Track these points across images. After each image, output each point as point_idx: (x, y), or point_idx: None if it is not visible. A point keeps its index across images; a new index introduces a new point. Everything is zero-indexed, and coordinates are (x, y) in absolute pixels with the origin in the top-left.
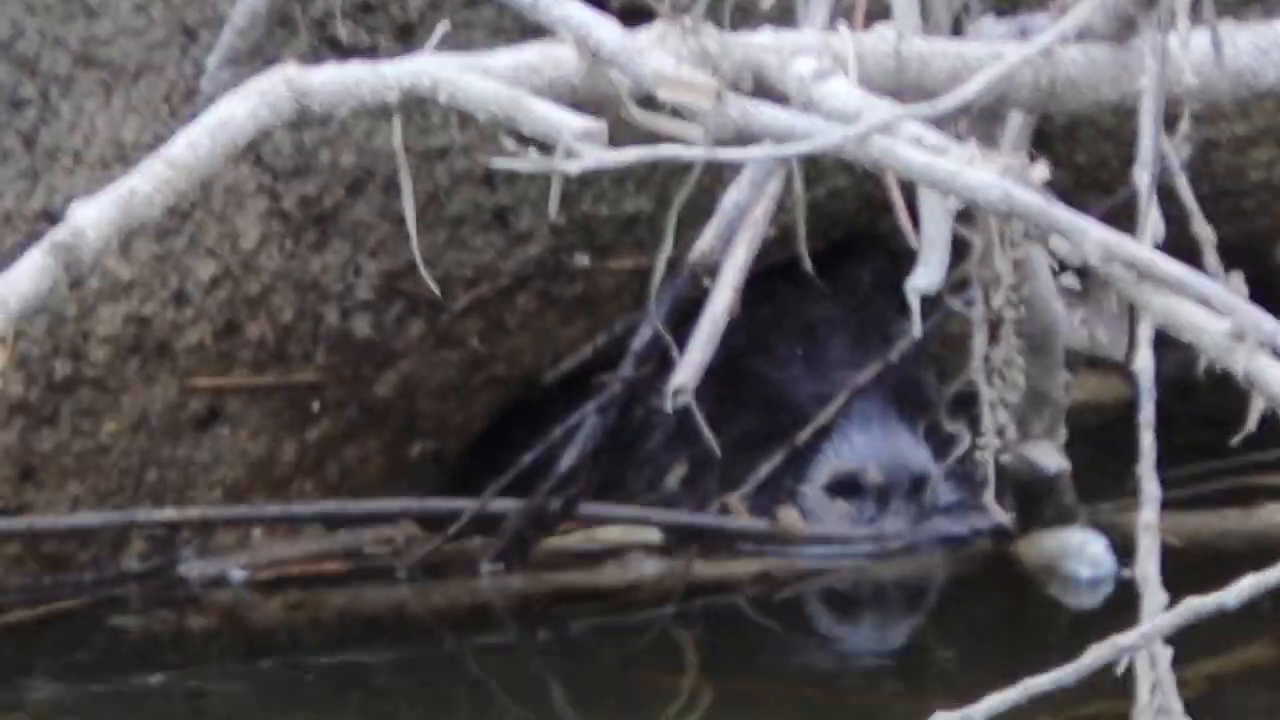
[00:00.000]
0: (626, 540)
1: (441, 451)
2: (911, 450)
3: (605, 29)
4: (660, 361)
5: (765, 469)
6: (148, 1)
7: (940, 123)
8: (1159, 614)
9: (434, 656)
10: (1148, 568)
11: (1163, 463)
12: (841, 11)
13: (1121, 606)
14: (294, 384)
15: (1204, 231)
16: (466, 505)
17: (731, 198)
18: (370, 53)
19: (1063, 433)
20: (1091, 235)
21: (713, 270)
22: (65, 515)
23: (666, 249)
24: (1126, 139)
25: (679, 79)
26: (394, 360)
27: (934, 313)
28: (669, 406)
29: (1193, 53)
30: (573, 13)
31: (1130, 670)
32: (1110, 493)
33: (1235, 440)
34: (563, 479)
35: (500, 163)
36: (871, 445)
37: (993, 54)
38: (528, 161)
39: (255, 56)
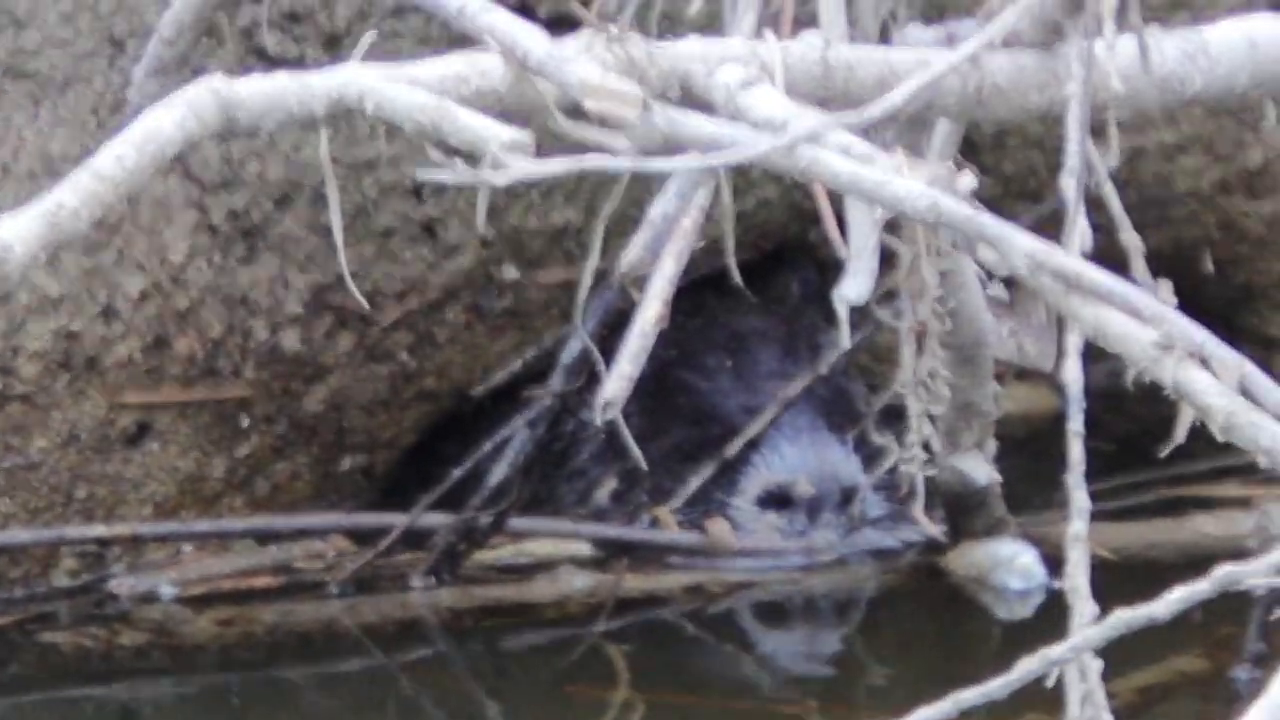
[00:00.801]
0: (557, 554)
1: (371, 466)
2: (842, 462)
3: (532, 38)
4: (589, 375)
5: (695, 482)
6: (75, 12)
7: (868, 131)
8: (1088, 626)
9: (365, 672)
10: (1077, 579)
11: (1092, 473)
12: (768, 19)
13: (1052, 618)
14: (223, 399)
15: (1132, 240)
16: (397, 520)
17: (659, 209)
18: (297, 63)
19: (992, 444)
20: (1019, 245)
21: (641, 282)
22: None
23: (593, 261)
24: (1054, 147)
25: (605, 88)
26: (323, 375)
27: (863, 324)
28: (598, 420)
29: (1119, 59)
30: (499, 21)
31: (1061, 682)
32: (1040, 504)
33: (1164, 451)
34: (493, 493)
35: (427, 174)
36: (801, 457)
37: (920, 61)
38: (454, 173)
39: (182, 67)
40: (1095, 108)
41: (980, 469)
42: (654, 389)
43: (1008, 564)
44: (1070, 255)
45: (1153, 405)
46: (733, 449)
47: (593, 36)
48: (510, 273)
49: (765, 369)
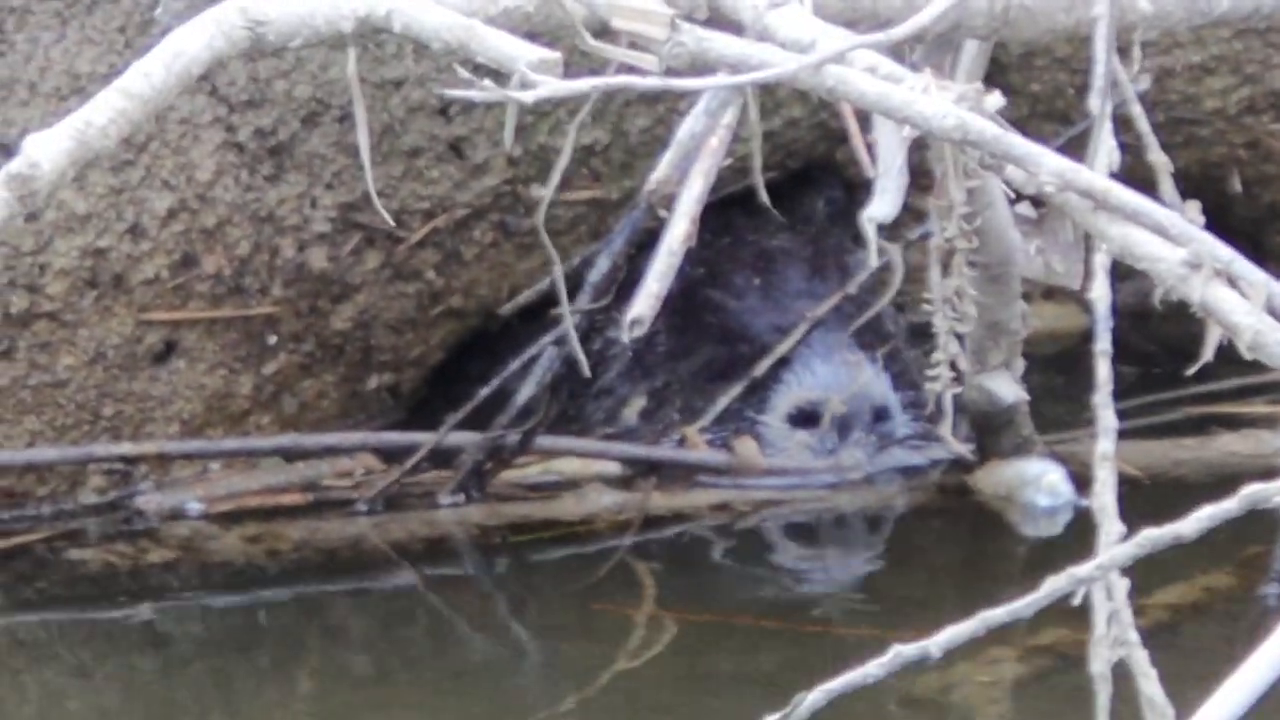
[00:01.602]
0: (585, 473)
1: (398, 385)
2: (872, 381)
3: None
4: (617, 293)
5: (724, 401)
6: None
7: (895, 51)
8: (1115, 545)
9: (392, 589)
10: (1105, 498)
11: (1120, 393)
12: None
13: (1079, 536)
14: (250, 317)
15: (1160, 160)
16: (424, 438)
17: (687, 128)
18: None
19: (1020, 363)
20: (1047, 164)
21: (668, 201)
22: (22, 450)
23: (559, 172)
24: (1081, 68)
25: (633, 7)
26: (350, 293)
27: (893, 242)
28: (625, 338)
29: None
30: None
31: (1087, 600)
32: (1068, 422)
33: (1192, 369)
34: (520, 412)
35: (454, 93)
36: (833, 376)
37: None
38: (482, 92)
39: None
40: (1122, 28)
41: (1008, 387)
42: (682, 308)
43: (1035, 482)
44: (1097, 174)
45: (1181, 323)
46: (763, 367)
47: None
48: (538, 191)
49: (794, 288)
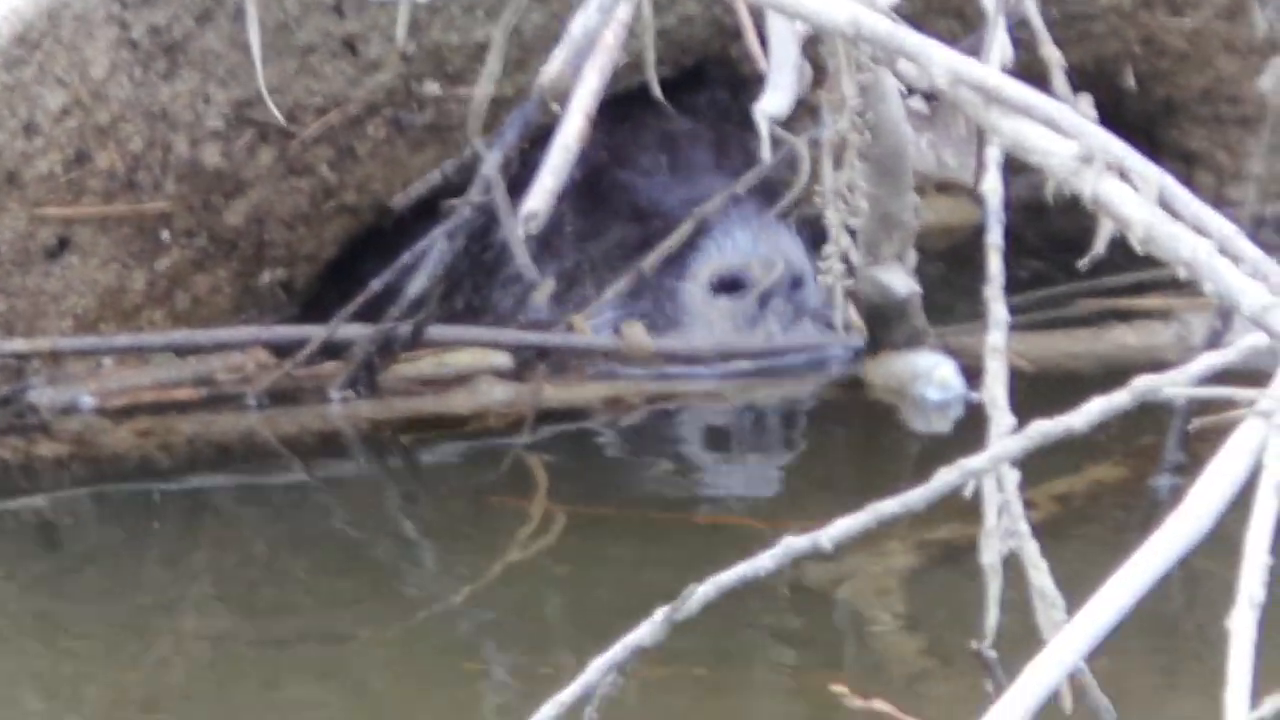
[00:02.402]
0: (477, 365)
1: (292, 280)
2: (791, 248)
3: None
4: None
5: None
6: None
7: None
8: (1006, 436)
9: (283, 484)
10: (995, 390)
11: (1013, 287)
12: None
13: (972, 430)
14: (144, 213)
15: (1052, 54)
16: (315, 331)
17: (580, 23)
18: None
19: (912, 255)
20: (939, 58)
21: (561, 96)
22: None
23: (492, 71)
24: None
25: None
26: (244, 189)
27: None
28: (521, 232)
29: None
30: None
31: (980, 494)
32: (961, 315)
33: (1084, 263)
34: (411, 305)
35: None
36: (753, 243)
37: None
38: None
39: None
40: None
41: (900, 280)
42: (588, 190)
43: (926, 375)
44: (989, 69)
45: (1074, 217)
46: (681, 233)
47: None
48: (431, 88)
49: (701, 165)
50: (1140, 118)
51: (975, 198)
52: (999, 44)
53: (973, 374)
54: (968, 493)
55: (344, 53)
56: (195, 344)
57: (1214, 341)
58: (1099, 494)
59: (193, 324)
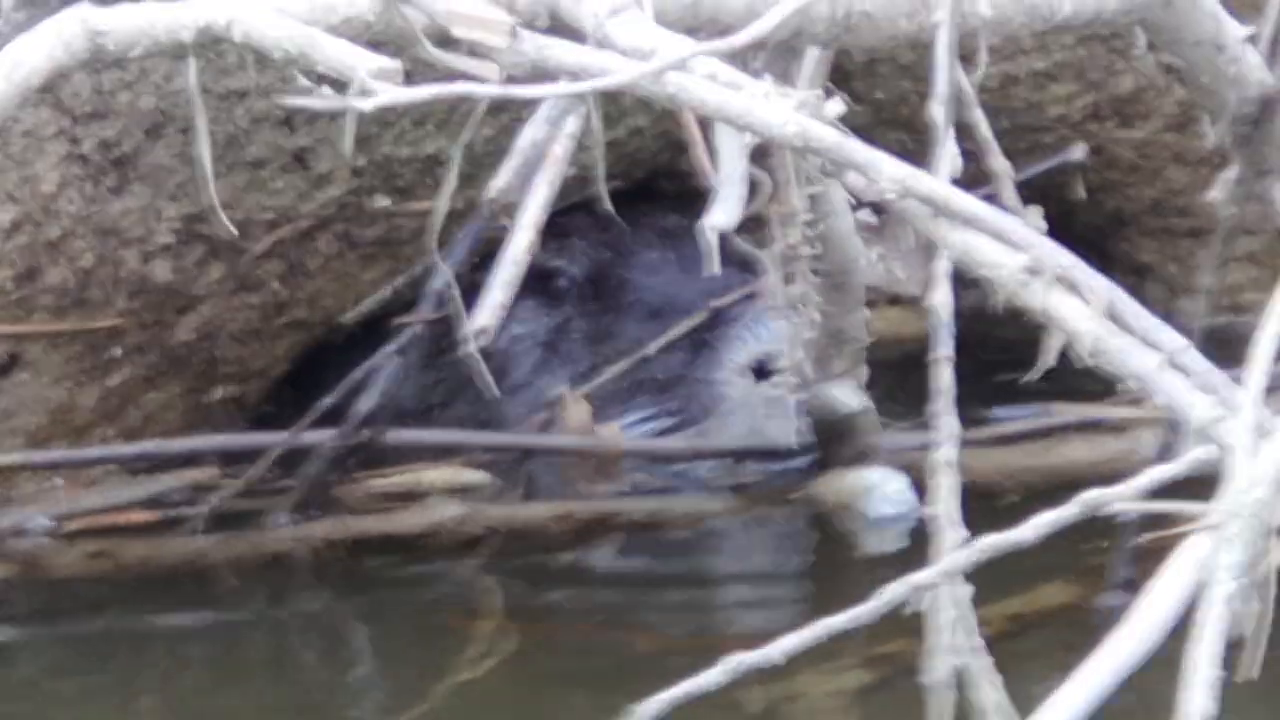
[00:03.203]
0: (453, 481)
1: (243, 396)
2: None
3: None
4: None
5: (612, 371)
6: None
7: (737, 59)
8: (955, 551)
9: (233, 607)
10: (945, 504)
11: (963, 398)
12: None
13: (923, 545)
14: (94, 329)
15: (1000, 165)
16: (275, 439)
17: (528, 136)
18: None
19: (864, 371)
20: (887, 170)
21: (510, 210)
22: None
23: (449, 185)
24: (925, 75)
25: (473, 15)
26: (195, 304)
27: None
28: (471, 348)
29: None
30: None
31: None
32: (913, 427)
33: (1033, 375)
34: (363, 420)
35: (294, 101)
36: (780, 330)
37: None
38: (322, 100)
39: None
40: (965, 34)
41: (850, 395)
42: (594, 292)
43: (876, 490)
44: (937, 180)
45: (1024, 328)
46: (691, 323)
47: None
48: (381, 201)
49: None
50: (1090, 230)
51: (924, 310)
52: (948, 155)
53: (924, 489)
54: (920, 607)
55: (294, 167)
56: (165, 452)
57: (1165, 455)
58: (1048, 612)
59: (143, 440)
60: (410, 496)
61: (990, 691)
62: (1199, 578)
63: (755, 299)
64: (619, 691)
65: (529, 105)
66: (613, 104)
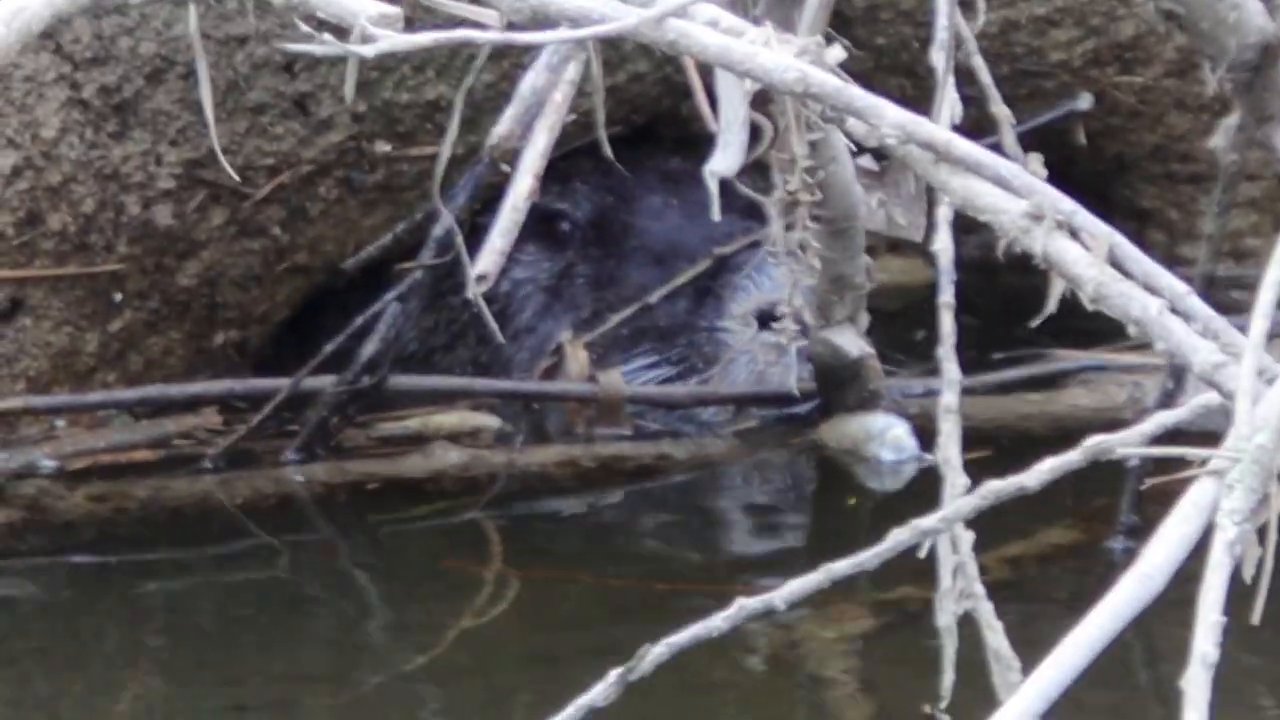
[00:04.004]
0: (462, 425)
1: (244, 341)
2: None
3: None
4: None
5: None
6: None
7: (738, 5)
8: (959, 497)
9: (238, 548)
10: (949, 451)
11: (965, 345)
12: None
13: (926, 490)
14: (96, 275)
15: (1001, 112)
16: (281, 384)
17: (528, 83)
18: None
19: (865, 317)
20: (888, 116)
21: (511, 156)
22: None
23: (453, 133)
24: (926, 21)
25: None
26: (196, 250)
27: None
28: (471, 294)
29: None
30: None
31: (934, 555)
32: (914, 374)
33: (1036, 321)
34: (365, 367)
35: (295, 47)
36: (783, 278)
37: None
38: (323, 46)
39: None
40: None
41: (852, 341)
42: (596, 237)
43: (879, 436)
44: (939, 126)
45: (1025, 277)
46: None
47: None
48: (382, 147)
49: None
50: (1091, 176)
51: (928, 257)
52: (948, 101)
53: (927, 435)
54: (922, 553)
55: (295, 112)
56: (167, 397)
57: (1167, 401)
58: (1053, 555)
59: (145, 385)
60: (418, 440)
61: (994, 637)
62: (1205, 521)
63: (757, 246)
64: (623, 637)
65: (530, 51)
66: (613, 50)
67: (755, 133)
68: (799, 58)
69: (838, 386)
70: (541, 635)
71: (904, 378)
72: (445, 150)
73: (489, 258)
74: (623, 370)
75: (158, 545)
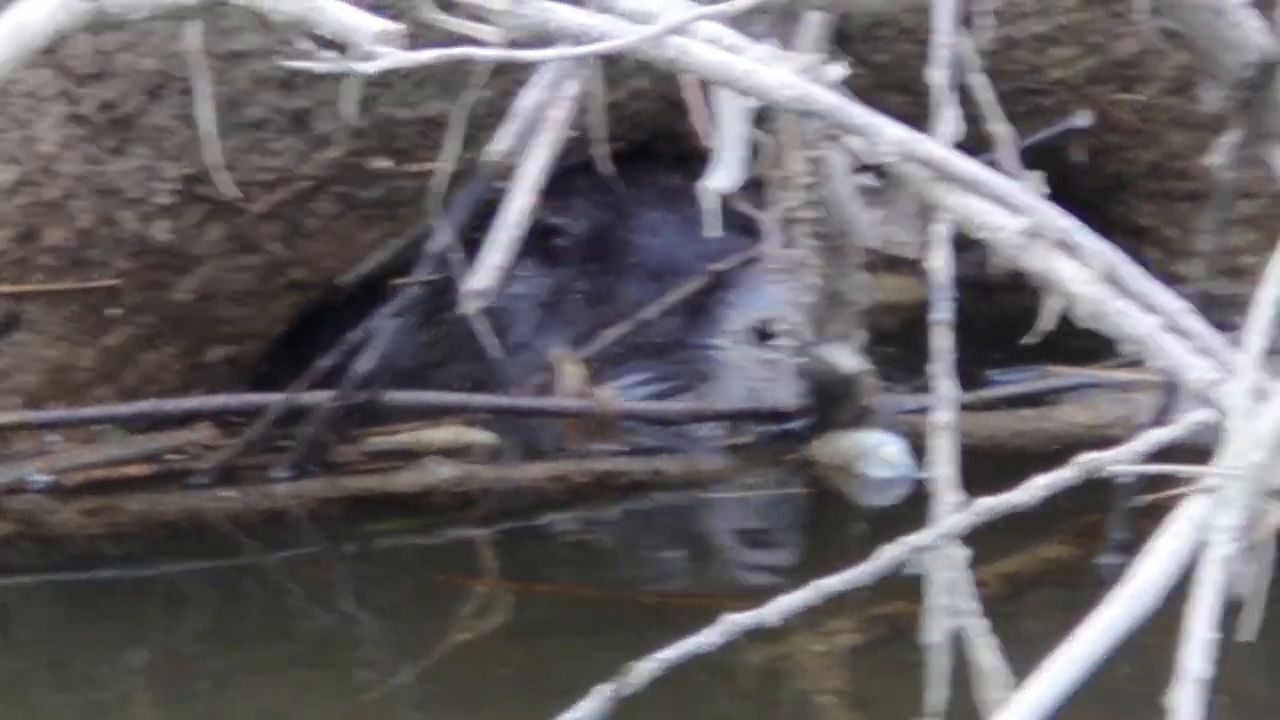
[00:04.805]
0: (456, 441)
1: (241, 356)
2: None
3: None
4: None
5: (612, 335)
6: None
7: (738, 23)
8: (952, 514)
9: (231, 564)
10: (943, 468)
11: (961, 363)
12: None
13: (919, 507)
14: (92, 290)
15: (1000, 129)
16: (273, 399)
17: (528, 99)
18: None
19: (861, 334)
20: (887, 134)
21: (508, 172)
22: None
23: (453, 150)
24: (927, 38)
25: None
26: (193, 265)
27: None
28: (468, 310)
29: None
30: None
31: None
32: (913, 393)
33: (1031, 339)
34: (361, 382)
35: (296, 64)
36: (776, 294)
37: None
38: (324, 63)
39: None
40: None
41: (847, 358)
42: (593, 253)
43: (873, 453)
44: (937, 144)
45: (1022, 294)
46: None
47: None
48: (380, 163)
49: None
50: (1090, 194)
51: (924, 276)
52: (948, 119)
53: (921, 452)
54: (915, 570)
55: (294, 128)
56: (162, 412)
57: (1160, 418)
58: (1046, 572)
59: (140, 400)
60: (411, 455)
61: (985, 654)
62: (1198, 539)
63: (755, 263)
64: (614, 652)
65: (530, 68)
66: (614, 66)
67: (755, 149)
68: (799, 75)
69: (831, 403)
70: (533, 650)
71: (898, 394)
72: (446, 166)
73: (486, 274)
74: (618, 386)
75: (150, 560)
